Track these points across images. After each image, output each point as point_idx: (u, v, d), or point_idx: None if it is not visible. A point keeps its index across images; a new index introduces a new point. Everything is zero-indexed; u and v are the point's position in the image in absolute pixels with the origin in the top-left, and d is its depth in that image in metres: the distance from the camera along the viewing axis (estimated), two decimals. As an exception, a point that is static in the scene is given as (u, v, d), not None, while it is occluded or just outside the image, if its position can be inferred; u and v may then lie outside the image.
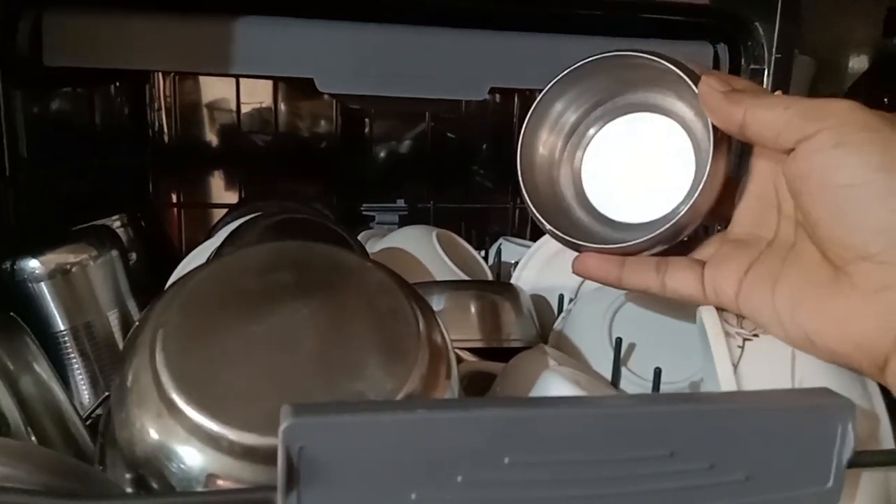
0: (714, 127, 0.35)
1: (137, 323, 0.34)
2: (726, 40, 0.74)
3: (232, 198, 1.04)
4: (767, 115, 0.33)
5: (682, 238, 0.38)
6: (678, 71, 0.37)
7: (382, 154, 1.08)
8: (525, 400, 0.36)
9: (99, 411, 0.53)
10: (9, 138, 0.60)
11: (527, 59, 0.69)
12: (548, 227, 0.40)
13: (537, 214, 0.40)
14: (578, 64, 0.40)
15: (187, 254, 0.62)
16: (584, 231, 0.41)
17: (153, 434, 0.30)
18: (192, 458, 0.29)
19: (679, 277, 0.37)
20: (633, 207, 0.41)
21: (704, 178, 0.36)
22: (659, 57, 0.37)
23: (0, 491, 0.25)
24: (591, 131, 0.42)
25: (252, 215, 0.60)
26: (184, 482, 0.29)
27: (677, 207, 0.38)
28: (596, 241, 0.39)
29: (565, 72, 0.40)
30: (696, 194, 0.36)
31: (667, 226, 0.36)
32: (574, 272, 0.40)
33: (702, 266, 0.37)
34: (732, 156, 0.37)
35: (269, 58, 0.68)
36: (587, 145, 0.42)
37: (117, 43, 0.65)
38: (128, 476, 0.29)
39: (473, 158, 1.11)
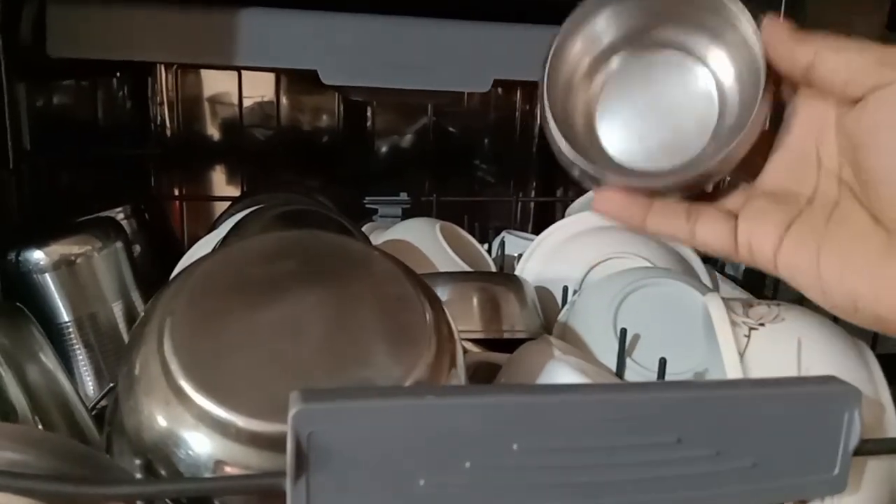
0: (767, 70, 0.33)
1: (145, 312, 0.34)
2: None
3: (234, 191, 1.04)
4: (839, 58, 0.31)
5: (707, 186, 0.36)
6: (734, 5, 0.34)
7: (385, 147, 1.08)
8: (533, 387, 0.36)
9: (104, 402, 0.53)
10: (12, 130, 0.60)
11: (531, 50, 0.69)
12: (571, 151, 0.36)
13: (561, 139, 0.36)
14: None
15: (190, 246, 0.62)
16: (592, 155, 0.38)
17: (161, 421, 0.30)
18: (200, 444, 0.29)
19: (710, 228, 0.35)
20: (642, 151, 0.38)
21: (748, 124, 0.33)
22: None
23: (10, 476, 0.25)
24: (614, 63, 0.39)
25: (255, 207, 0.61)
26: (192, 469, 0.29)
27: (706, 155, 0.35)
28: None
29: None
30: (735, 142, 0.33)
31: (697, 171, 0.34)
32: (595, 209, 0.37)
33: (734, 218, 0.35)
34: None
35: (272, 49, 0.68)
36: (606, 77, 0.39)
37: (120, 34, 0.65)
38: (136, 463, 0.29)
39: (476, 152, 1.11)
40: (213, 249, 0.53)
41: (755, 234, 0.34)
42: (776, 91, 0.34)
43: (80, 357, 0.57)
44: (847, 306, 0.31)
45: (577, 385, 0.35)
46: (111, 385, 0.53)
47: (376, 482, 0.26)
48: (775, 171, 0.35)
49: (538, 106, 0.38)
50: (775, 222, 0.33)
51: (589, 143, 0.39)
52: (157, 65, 0.97)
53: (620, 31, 0.38)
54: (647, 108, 0.39)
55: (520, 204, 1.06)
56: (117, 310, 0.59)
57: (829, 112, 0.33)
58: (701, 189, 0.35)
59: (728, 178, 0.38)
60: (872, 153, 0.30)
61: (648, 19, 0.38)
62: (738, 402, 0.29)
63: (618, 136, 0.39)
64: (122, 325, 0.59)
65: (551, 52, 0.38)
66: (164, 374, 0.30)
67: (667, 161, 0.37)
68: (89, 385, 0.57)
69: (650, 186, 0.35)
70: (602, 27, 0.38)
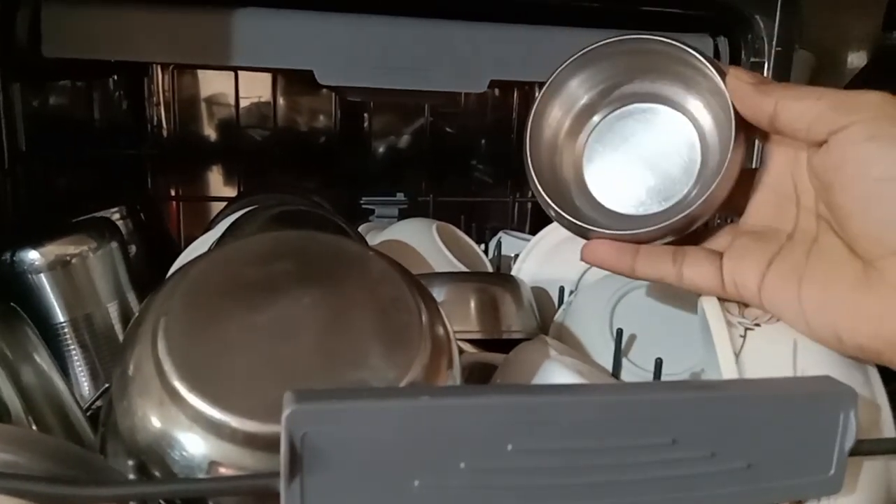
0: (736, 118, 0.35)
1: (139, 312, 0.34)
2: (726, 33, 0.74)
3: (230, 192, 1.04)
4: (799, 106, 0.33)
5: (693, 229, 0.37)
6: (701, 58, 0.36)
7: (382, 148, 1.08)
8: (528, 387, 0.36)
9: (99, 403, 0.53)
10: (7, 131, 0.60)
11: (527, 51, 0.69)
12: (554, 208, 0.39)
13: (544, 195, 0.39)
14: (596, 45, 0.39)
15: (186, 247, 0.62)
16: (585, 219, 0.40)
17: (155, 422, 0.29)
18: (194, 445, 0.29)
19: (697, 269, 0.37)
20: (631, 198, 0.41)
21: (724, 169, 0.35)
22: (682, 44, 0.37)
23: (2, 477, 0.25)
24: (596, 118, 0.42)
25: (251, 207, 0.60)
26: (186, 470, 0.29)
27: (689, 199, 0.37)
28: (598, 225, 0.38)
29: (582, 51, 0.39)
30: (714, 185, 0.35)
31: (681, 215, 0.36)
32: (583, 259, 0.39)
33: (719, 257, 0.37)
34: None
35: (268, 50, 0.67)
36: (590, 132, 0.42)
37: (116, 34, 0.65)
38: (130, 464, 0.29)
39: (473, 152, 1.11)
40: (209, 250, 0.53)
41: (739, 272, 0.36)
42: (750, 134, 0.36)
43: (76, 357, 0.56)
44: (830, 338, 0.33)
45: (573, 386, 0.35)
46: (106, 386, 0.53)
47: (371, 483, 0.26)
48: (757, 210, 0.37)
49: (524, 167, 0.40)
50: (757, 259, 0.35)
51: (579, 196, 0.41)
52: (154, 65, 0.97)
53: (595, 89, 0.41)
54: (632, 158, 0.41)
55: (517, 204, 1.06)
56: (113, 310, 0.59)
57: (801, 152, 0.35)
58: (687, 231, 0.37)
59: (717, 219, 0.40)
60: (839, 191, 0.32)
61: (623, 76, 0.40)
62: (733, 402, 0.29)
63: (606, 186, 0.41)
64: (117, 326, 0.59)
65: (531, 118, 0.40)
66: (158, 374, 0.30)
67: (656, 205, 0.39)
68: (84, 386, 0.57)
69: (638, 239, 0.37)
70: (577, 89, 0.41)
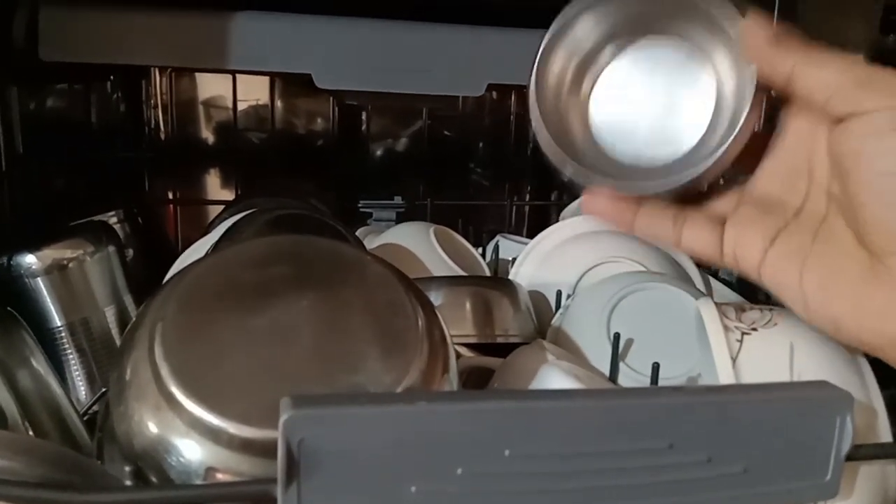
0: (756, 73, 0.32)
1: (136, 317, 0.34)
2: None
3: (228, 195, 1.04)
4: (820, 75, 0.30)
5: (700, 187, 0.35)
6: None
7: (379, 151, 1.08)
8: (525, 392, 0.36)
9: (96, 407, 0.53)
10: (4, 134, 0.60)
11: (524, 55, 0.69)
12: (559, 154, 0.36)
13: (551, 142, 0.36)
14: None
15: (183, 250, 0.62)
16: (592, 169, 0.37)
17: (152, 427, 0.29)
18: (191, 451, 0.29)
19: (697, 234, 0.34)
20: (639, 144, 0.37)
21: (737, 130, 0.32)
22: None
23: (-2, 483, 0.25)
24: (605, 57, 0.38)
25: (249, 211, 0.60)
26: (183, 475, 0.29)
27: (698, 154, 0.35)
28: (604, 174, 0.36)
29: None
30: (725, 146, 0.32)
31: (688, 177, 0.33)
32: (584, 210, 0.37)
33: (721, 225, 0.34)
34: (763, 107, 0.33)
35: (266, 53, 0.68)
36: (599, 73, 0.38)
37: (114, 38, 0.65)
38: (126, 469, 0.29)
39: (471, 156, 1.11)
40: (206, 254, 0.53)
41: (740, 244, 0.33)
42: (770, 93, 0.33)
43: (73, 362, 0.56)
44: (829, 326, 0.31)
45: (569, 391, 0.35)
46: (103, 390, 0.53)
47: (367, 489, 0.26)
48: (767, 178, 0.34)
49: (529, 115, 0.37)
50: (761, 233, 0.33)
51: (585, 142, 0.38)
52: (151, 68, 0.97)
53: (604, 32, 0.37)
54: (643, 101, 0.38)
55: (514, 208, 1.06)
56: (110, 314, 0.59)
57: (821, 125, 0.32)
58: (693, 191, 0.35)
59: (721, 180, 0.38)
60: (854, 179, 0.30)
61: (634, 18, 0.37)
62: (729, 408, 0.29)
63: (614, 131, 0.38)
64: (114, 330, 0.59)
65: (535, 65, 0.37)
66: (154, 379, 0.30)
67: (663, 153, 0.36)
68: (81, 390, 0.56)
69: (640, 194, 0.35)
70: (584, 32, 0.37)
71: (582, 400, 0.29)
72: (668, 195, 0.35)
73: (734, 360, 0.34)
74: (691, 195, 0.35)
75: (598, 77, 0.38)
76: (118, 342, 0.58)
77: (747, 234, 0.33)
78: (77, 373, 0.56)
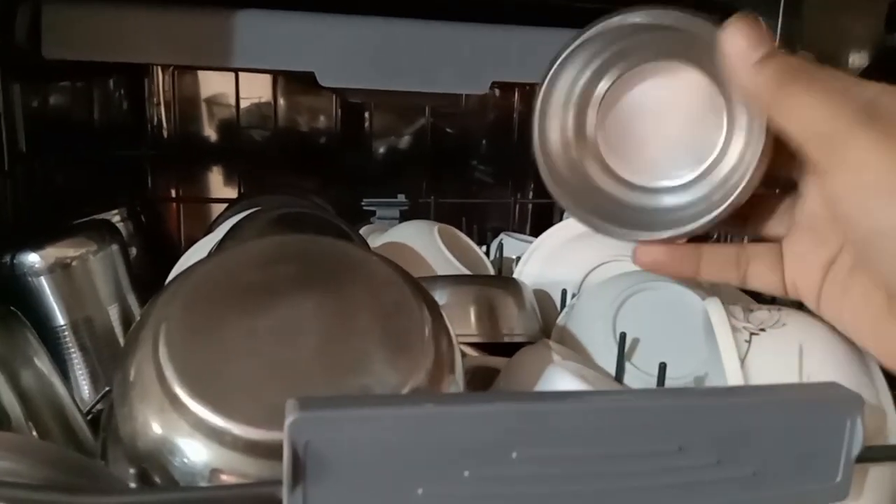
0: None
1: (140, 317, 0.34)
2: (729, 35, 0.73)
3: (231, 193, 1.04)
4: (796, 114, 0.28)
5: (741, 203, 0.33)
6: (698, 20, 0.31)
7: (383, 149, 1.08)
8: (533, 394, 0.36)
9: (100, 406, 0.53)
10: (7, 132, 0.60)
11: (528, 52, 0.69)
12: (593, 222, 0.34)
13: (576, 210, 0.35)
14: (587, 32, 0.34)
15: (186, 249, 0.62)
16: (620, 207, 0.36)
17: (156, 428, 0.29)
18: (195, 452, 0.28)
19: (760, 272, 0.34)
20: (663, 168, 0.36)
21: (760, 151, 0.31)
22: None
23: (2, 486, 0.25)
24: (602, 85, 0.36)
25: (253, 209, 0.60)
26: (187, 477, 0.28)
27: (724, 157, 0.34)
28: (641, 224, 0.34)
29: (576, 41, 0.34)
30: (751, 169, 0.31)
31: (723, 207, 0.32)
32: (638, 265, 0.35)
33: (780, 258, 0.34)
34: None
35: (269, 51, 0.67)
36: (598, 103, 0.36)
37: (117, 36, 0.64)
38: (131, 471, 0.29)
39: (474, 153, 1.10)
40: (210, 253, 0.52)
41: (798, 279, 0.33)
42: None
43: (76, 361, 0.56)
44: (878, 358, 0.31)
45: (577, 392, 0.35)
46: (107, 389, 0.53)
47: (374, 491, 0.26)
48: (812, 199, 0.32)
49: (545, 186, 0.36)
50: (815, 266, 0.32)
51: (603, 177, 0.37)
52: (154, 66, 0.96)
53: (598, 66, 0.36)
54: (651, 129, 0.36)
55: (518, 206, 1.06)
56: (113, 313, 0.59)
57: None
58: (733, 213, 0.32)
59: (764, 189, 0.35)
60: (843, 224, 0.29)
61: (628, 49, 0.35)
62: (739, 409, 0.29)
63: (633, 163, 0.36)
64: (118, 329, 0.59)
65: (535, 124, 0.36)
66: (158, 380, 0.30)
67: (689, 170, 0.35)
68: (85, 389, 0.56)
69: (686, 234, 0.33)
70: (572, 77, 0.36)
71: (590, 402, 0.29)
72: (715, 222, 0.33)
73: (743, 360, 0.34)
74: (741, 214, 0.33)
75: (599, 108, 0.37)
76: (122, 341, 0.58)
77: (804, 269, 0.33)
78: (80, 372, 0.56)
